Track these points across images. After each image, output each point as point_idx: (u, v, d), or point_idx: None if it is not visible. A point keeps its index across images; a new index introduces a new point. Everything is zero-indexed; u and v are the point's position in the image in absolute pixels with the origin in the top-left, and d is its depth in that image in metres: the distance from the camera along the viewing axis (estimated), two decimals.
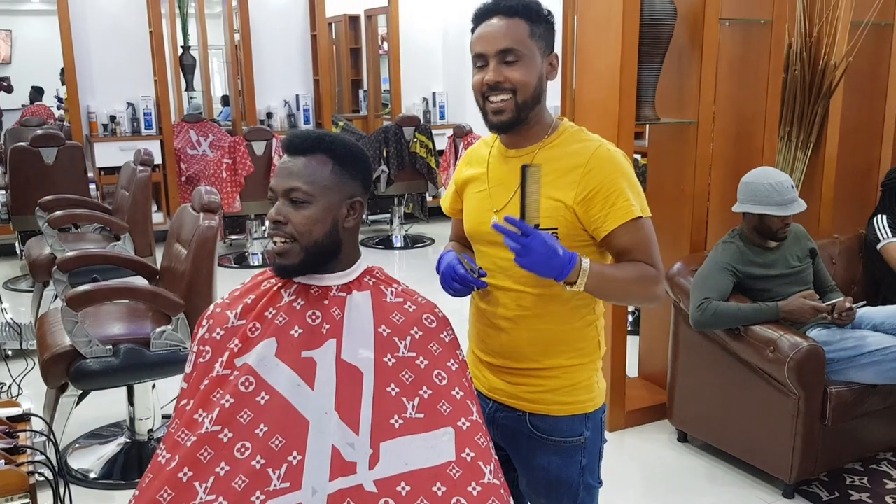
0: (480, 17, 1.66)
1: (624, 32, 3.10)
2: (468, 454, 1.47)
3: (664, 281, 1.71)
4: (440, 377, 1.53)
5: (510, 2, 1.63)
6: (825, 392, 2.85)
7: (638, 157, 4.64)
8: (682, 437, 3.40)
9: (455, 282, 1.72)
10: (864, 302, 3.11)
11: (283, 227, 1.52)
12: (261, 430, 1.43)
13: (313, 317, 1.54)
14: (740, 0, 3.54)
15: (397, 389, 1.50)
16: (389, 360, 1.52)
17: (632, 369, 3.79)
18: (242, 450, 1.42)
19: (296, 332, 1.52)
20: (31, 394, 3.32)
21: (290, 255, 1.53)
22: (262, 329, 1.52)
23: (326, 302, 1.55)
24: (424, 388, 1.51)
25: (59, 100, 7.80)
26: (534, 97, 1.64)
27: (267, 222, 1.57)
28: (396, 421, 1.47)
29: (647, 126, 3.60)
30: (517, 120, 1.66)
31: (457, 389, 1.53)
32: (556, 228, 1.64)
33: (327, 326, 1.52)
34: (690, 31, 3.31)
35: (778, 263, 3.05)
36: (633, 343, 3.70)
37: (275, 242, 1.55)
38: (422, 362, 1.53)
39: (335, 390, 1.47)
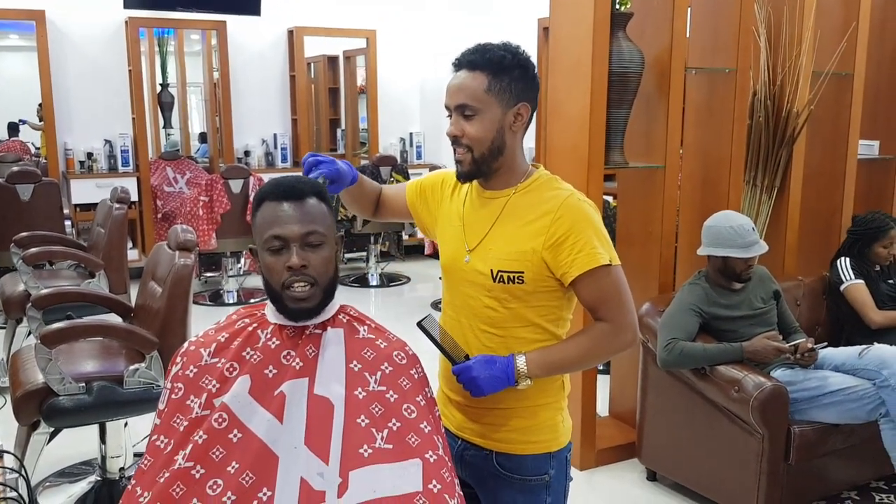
0: (454, 68, 1.73)
1: (593, 80, 3.19)
2: (434, 485, 1.50)
3: (632, 328, 1.73)
4: (409, 411, 1.57)
5: (473, 56, 1.69)
6: (789, 431, 2.91)
7: (609, 198, 4.72)
8: (652, 476, 3.44)
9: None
10: (826, 343, 3.19)
11: (305, 271, 1.55)
12: (232, 466, 1.46)
13: (288, 357, 1.58)
14: (706, 49, 3.66)
15: (367, 421, 1.53)
16: (360, 393, 1.56)
17: (603, 408, 3.84)
18: (214, 486, 1.45)
19: (270, 371, 1.56)
20: (2, 430, 3.30)
21: (313, 299, 1.57)
22: (240, 369, 1.56)
23: (301, 341, 1.59)
24: (393, 420, 1.55)
25: (21, 122, 7.80)
26: (491, 150, 1.71)
27: (274, 270, 1.58)
28: (365, 450, 1.50)
29: None
30: (476, 171, 1.74)
31: (424, 423, 1.57)
32: (523, 272, 1.70)
33: (301, 364, 1.56)
34: (658, 79, 3.41)
35: (742, 305, 3.13)
36: (604, 382, 3.76)
37: (294, 289, 1.55)
38: (391, 396, 1.57)
39: (305, 423, 1.51)
